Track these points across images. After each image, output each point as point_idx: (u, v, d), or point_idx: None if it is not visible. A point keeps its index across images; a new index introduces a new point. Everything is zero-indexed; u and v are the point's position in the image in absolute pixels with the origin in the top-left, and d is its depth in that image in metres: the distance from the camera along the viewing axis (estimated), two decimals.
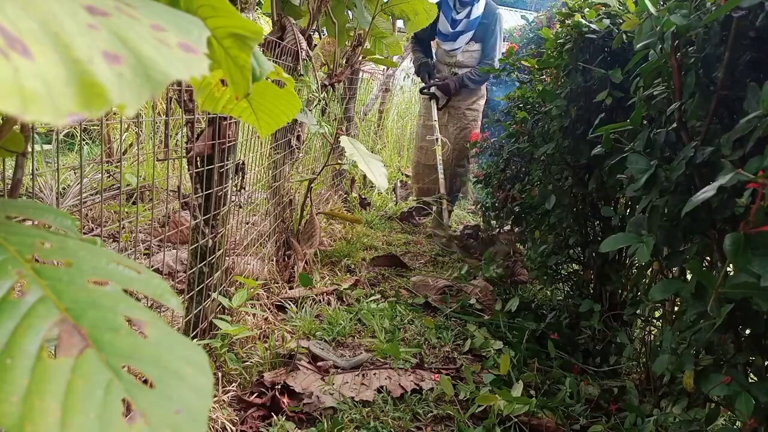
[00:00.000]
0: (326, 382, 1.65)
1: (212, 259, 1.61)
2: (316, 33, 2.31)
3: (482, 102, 3.77)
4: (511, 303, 2.19)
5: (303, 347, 1.81)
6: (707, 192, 0.89)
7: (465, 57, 3.60)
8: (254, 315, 1.90)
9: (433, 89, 3.62)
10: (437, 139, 3.55)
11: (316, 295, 2.27)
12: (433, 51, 3.84)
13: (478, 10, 3.46)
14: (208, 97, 0.72)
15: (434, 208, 3.71)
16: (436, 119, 3.59)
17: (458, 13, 3.50)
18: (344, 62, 2.50)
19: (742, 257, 0.82)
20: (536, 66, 2.05)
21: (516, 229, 2.81)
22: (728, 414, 1.42)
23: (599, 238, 1.91)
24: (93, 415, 0.28)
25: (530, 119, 2.23)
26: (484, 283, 2.56)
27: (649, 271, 1.54)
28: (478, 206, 4.25)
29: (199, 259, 1.56)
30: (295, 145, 2.38)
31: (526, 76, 2.38)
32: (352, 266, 2.79)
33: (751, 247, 0.82)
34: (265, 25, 3.74)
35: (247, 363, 1.67)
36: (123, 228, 2.41)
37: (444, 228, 3.48)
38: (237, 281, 1.87)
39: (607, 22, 1.62)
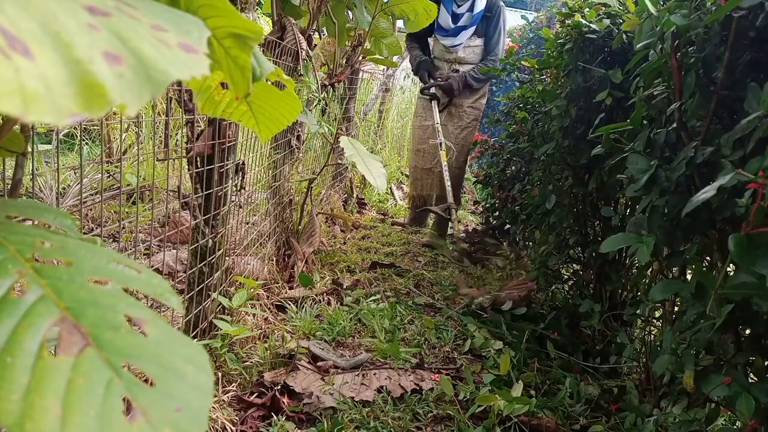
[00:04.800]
0: (326, 382, 1.65)
1: (212, 259, 1.61)
2: (316, 33, 2.31)
3: (484, 101, 3.53)
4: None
5: (303, 347, 1.81)
6: (707, 192, 0.89)
7: (467, 53, 3.35)
8: (254, 315, 1.90)
9: (433, 89, 3.35)
10: (441, 143, 3.26)
11: (316, 295, 2.27)
12: (431, 47, 3.54)
13: (481, 3, 3.22)
14: (208, 101, 0.72)
15: (435, 218, 3.49)
16: (438, 121, 3.32)
17: (459, 6, 3.23)
18: (344, 62, 2.50)
19: (747, 258, 0.82)
20: (536, 66, 2.05)
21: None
22: (728, 414, 1.42)
23: (599, 238, 1.91)
24: (93, 413, 0.28)
25: (530, 119, 2.23)
26: None
27: (649, 271, 1.54)
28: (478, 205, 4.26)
29: (199, 259, 1.57)
30: (295, 145, 2.38)
31: (527, 76, 2.38)
32: (352, 266, 2.79)
33: (754, 247, 0.82)
34: (265, 25, 3.74)
35: (247, 363, 1.67)
36: (123, 228, 2.41)
37: (456, 239, 3.21)
38: (237, 281, 1.87)
39: (607, 22, 1.62)
